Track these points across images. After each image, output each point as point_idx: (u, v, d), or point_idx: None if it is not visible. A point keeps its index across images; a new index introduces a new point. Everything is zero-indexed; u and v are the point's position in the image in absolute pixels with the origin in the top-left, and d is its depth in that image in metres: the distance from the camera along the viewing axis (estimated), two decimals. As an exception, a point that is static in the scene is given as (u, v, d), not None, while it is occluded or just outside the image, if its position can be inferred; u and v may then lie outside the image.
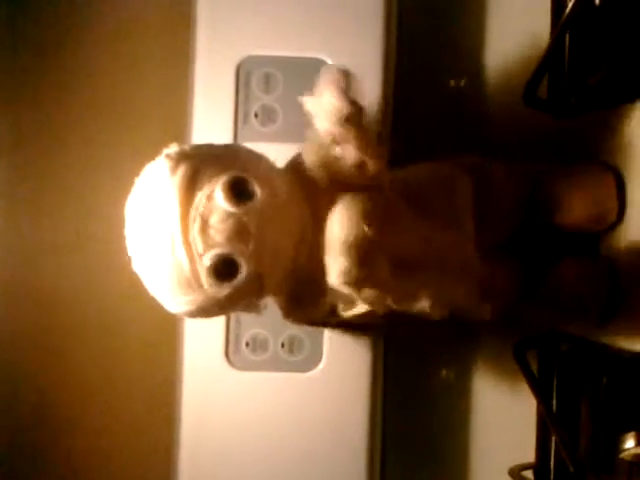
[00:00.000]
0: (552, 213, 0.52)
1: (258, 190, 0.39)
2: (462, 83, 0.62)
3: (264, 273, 0.41)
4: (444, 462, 0.62)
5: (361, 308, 0.44)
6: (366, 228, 0.41)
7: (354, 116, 0.42)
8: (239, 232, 0.39)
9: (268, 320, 0.53)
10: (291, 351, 0.56)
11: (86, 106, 0.63)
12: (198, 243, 0.39)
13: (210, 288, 0.40)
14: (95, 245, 0.61)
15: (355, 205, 0.42)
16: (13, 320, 0.63)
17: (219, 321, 0.55)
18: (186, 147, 0.42)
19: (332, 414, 0.56)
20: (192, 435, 0.56)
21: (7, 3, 0.63)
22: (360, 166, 0.43)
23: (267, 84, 0.56)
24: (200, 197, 0.39)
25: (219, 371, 0.56)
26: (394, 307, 0.43)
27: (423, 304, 0.43)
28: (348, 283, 0.41)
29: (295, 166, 0.44)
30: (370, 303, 0.43)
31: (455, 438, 0.62)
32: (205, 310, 0.42)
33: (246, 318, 0.55)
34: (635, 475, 0.49)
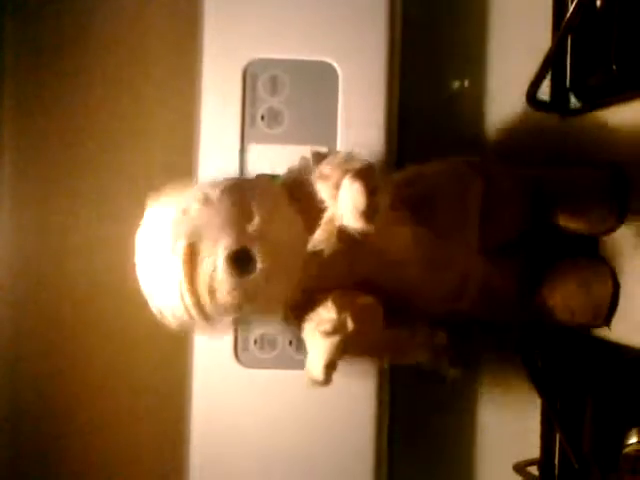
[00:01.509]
0: (554, 214, 0.52)
1: (259, 260, 0.41)
2: (465, 84, 0.62)
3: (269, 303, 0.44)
4: (450, 457, 0.63)
5: None
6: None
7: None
8: (245, 296, 0.41)
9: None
10: (299, 349, 0.56)
11: (95, 110, 0.63)
12: (207, 305, 0.42)
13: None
14: (105, 247, 0.62)
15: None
16: (24, 323, 0.64)
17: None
18: (190, 208, 0.42)
19: (340, 411, 0.56)
20: (202, 432, 0.57)
21: (21, 8, 0.64)
22: None
23: (273, 87, 0.56)
24: (203, 273, 0.41)
25: (228, 369, 0.57)
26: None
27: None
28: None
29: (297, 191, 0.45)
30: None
31: (461, 434, 0.62)
32: None
33: (255, 317, 0.56)
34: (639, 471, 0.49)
